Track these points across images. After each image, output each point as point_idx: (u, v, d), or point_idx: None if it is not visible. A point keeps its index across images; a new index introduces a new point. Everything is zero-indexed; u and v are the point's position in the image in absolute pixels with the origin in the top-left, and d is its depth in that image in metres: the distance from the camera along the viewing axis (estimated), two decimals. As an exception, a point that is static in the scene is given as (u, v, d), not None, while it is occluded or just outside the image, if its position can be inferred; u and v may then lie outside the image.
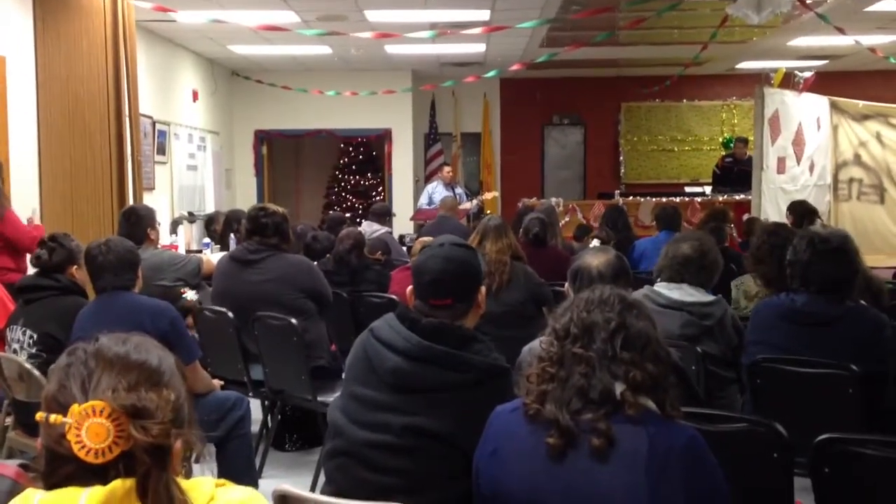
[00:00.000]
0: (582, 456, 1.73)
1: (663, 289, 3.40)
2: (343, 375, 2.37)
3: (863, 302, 4.13)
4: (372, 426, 2.16)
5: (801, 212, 7.41)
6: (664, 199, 10.59)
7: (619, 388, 1.75)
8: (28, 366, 3.55)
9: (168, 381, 1.30)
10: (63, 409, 1.22)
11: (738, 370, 3.39)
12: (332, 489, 2.20)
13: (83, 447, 1.20)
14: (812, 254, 3.18)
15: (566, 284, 2.85)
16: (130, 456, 1.21)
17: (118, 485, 1.19)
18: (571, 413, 1.75)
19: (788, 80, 10.00)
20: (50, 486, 1.23)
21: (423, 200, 10.66)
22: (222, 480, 1.30)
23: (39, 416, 1.24)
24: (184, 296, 4.42)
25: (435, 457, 2.10)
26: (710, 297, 3.42)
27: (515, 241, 4.65)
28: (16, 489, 1.35)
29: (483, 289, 2.40)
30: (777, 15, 6.30)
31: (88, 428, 1.20)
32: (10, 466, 1.50)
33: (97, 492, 1.18)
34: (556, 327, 1.85)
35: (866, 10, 8.28)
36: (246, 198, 11.54)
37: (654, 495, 1.69)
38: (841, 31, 7.69)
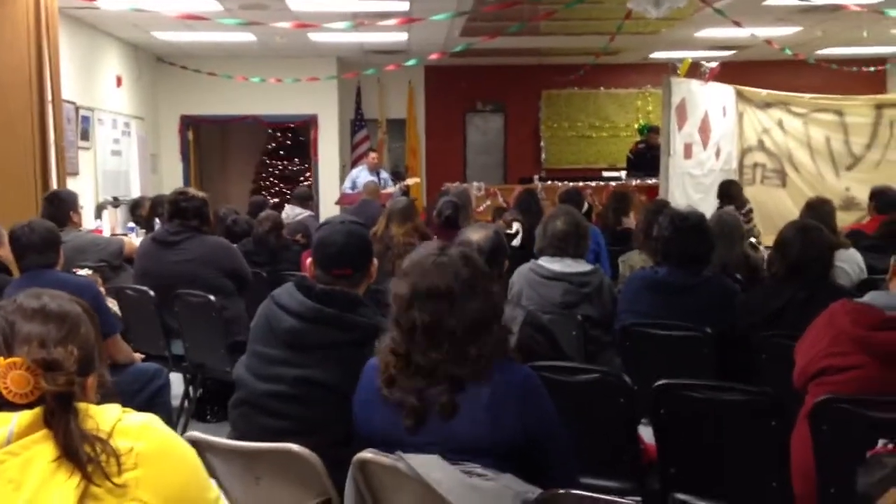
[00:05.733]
0: (433, 419, 2.08)
1: (546, 262, 3.78)
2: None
3: (738, 276, 4.58)
4: (269, 378, 2.48)
5: (724, 193, 7.98)
6: (581, 184, 11.03)
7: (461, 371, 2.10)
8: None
9: (75, 333, 1.56)
10: None
11: (614, 334, 3.79)
12: (236, 434, 2.51)
13: (10, 392, 1.48)
14: (672, 230, 3.58)
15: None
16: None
17: (42, 410, 1.48)
18: (417, 393, 2.09)
19: (695, 70, 10.52)
20: (-16, 414, 1.51)
21: (348, 185, 10.94)
22: (128, 409, 1.60)
23: None
24: (77, 273, 4.58)
25: (323, 403, 2.42)
26: (588, 267, 3.83)
27: (421, 223, 4.98)
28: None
29: (375, 261, 2.74)
30: (674, 9, 6.71)
31: (12, 378, 1.48)
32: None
33: (25, 415, 1.47)
34: (403, 324, 2.14)
35: (764, 3, 8.79)
36: (172, 182, 11.61)
37: (495, 425, 2.05)
38: (738, 24, 8.19)
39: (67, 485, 1.43)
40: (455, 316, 2.10)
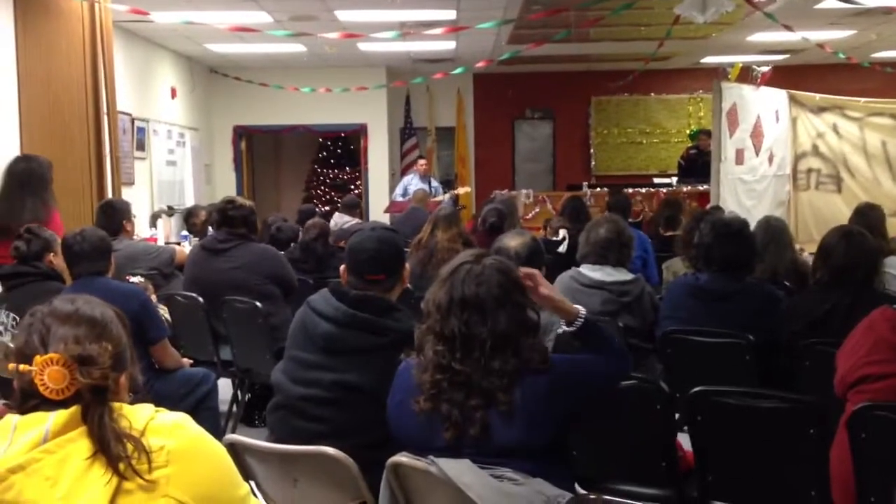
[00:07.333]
0: (468, 441, 2.12)
1: (587, 270, 3.77)
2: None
3: (787, 283, 4.53)
4: (306, 382, 2.53)
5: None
6: (630, 190, 10.97)
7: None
8: (12, 346, 3.86)
9: (108, 333, 1.63)
10: (29, 360, 1.57)
11: (655, 342, 3.76)
12: (274, 437, 2.57)
13: (47, 388, 1.55)
14: (714, 237, 3.55)
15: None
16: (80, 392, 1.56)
17: (76, 409, 1.54)
18: (459, 406, 2.13)
19: (746, 75, 10.40)
20: (23, 413, 1.58)
21: (399, 192, 11.04)
22: (161, 409, 1.65)
23: (11, 366, 1.59)
24: (129, 280, 4.71)
25: (357, 407, 2.46)
26: (628, 276, 3.80)
27: (465, 230, 5.01)
28: (-1, 420, 1.70)
29: (408, 266, 2.77)
30: (722, 14, 6.64)
31: (49, 374, 1.55)
32: (-5, 404, 1.84)
33: (61, 414, 1.53)
34: (443, 333, 2.18)
35: (816, 7, 8.65)
36: (225, 192, 11.77)
37: (527, 428, 2.08)
38: (789, 28, 8.07)
39: (101, 481, 1.48)
40: (486, 326, 2.13)
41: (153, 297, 4.51)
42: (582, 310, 2.36)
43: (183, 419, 1.62)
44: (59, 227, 5.30)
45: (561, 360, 2.21)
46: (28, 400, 1.58)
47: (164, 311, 4.75)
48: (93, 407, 1.54)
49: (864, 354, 2.50)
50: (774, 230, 4.62)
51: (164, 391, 3.81)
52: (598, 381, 2.27)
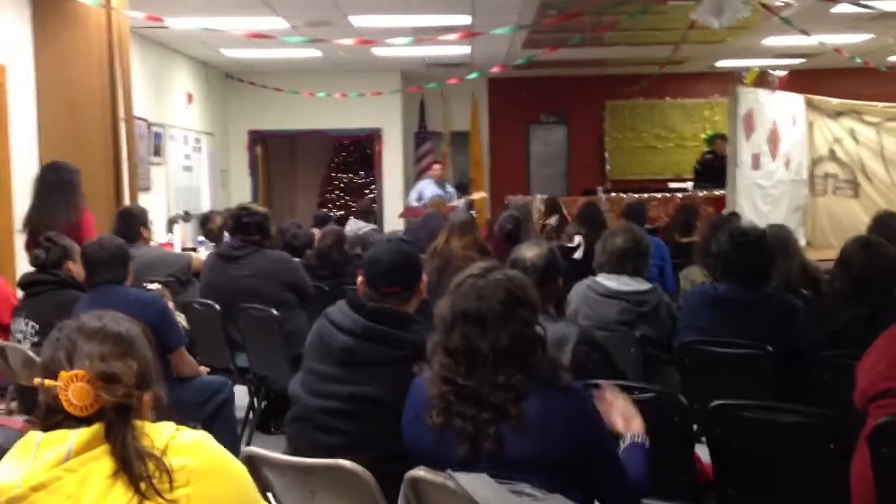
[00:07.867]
0: (483, 455, 2.11)
1: (603, 279, 3.76)
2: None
3: (804, 291, 4.49)
4: (323, 395, 2.54)
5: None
6: (646, 195, 10.93)
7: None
8: (31, 354, 3.89)
9: (133, 351, 1.64)
10: (54, 375, 1.58)
11: (673, 353, 3.74)
12: (291, 450, 2.57)
13: (71, 404, 1.55)
14: (732, 246, 3.53)
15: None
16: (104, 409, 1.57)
17: (99, 427, 1.55)
18: (471, 420, 2.10)
19: (763, 79, 10.35)
20: (46, 429, 1.59)
21: (413, 196, 11.02)
22: (181, 426, 1.65)
23: (37, 380, 1.60)
24: (147, 287, 4.74)
25: (373, 420, 2.47)
26: (646, 286, 3.78)
27: (480, 237, 5.01)
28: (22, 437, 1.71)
29: (425, 278, 2.77)
30: (738, 19, 6.61)
31: (73, 391, 1.55)
32: (18, 421, 1.86)
33: (84, 432, 1.54)
34: (448, 347, 2.16)
35: (832, 11, 8.60)
36: (241, 197, 11.84)
37: (543, 440, 2.07)
38: (805, 32, 8.03)
39: (123, 500, 1.49)
40: (486, 340, 2.11)
41: (170, 305, 4.52)
42: (641, 437, 2.36)
43: (203, 437, 1.62)
44: (91, 230, 5.35)
45: (586, 402, 2.19)
46: (52, 415, 1.59)
47: (181, 319, 4.77)
48: (116, 425, 1.54)
49: (885, 368, 2.48)
50: (780, 238, 4.50)
51: (181, 399, 3.82)
52: (603, 475, 2.21)
